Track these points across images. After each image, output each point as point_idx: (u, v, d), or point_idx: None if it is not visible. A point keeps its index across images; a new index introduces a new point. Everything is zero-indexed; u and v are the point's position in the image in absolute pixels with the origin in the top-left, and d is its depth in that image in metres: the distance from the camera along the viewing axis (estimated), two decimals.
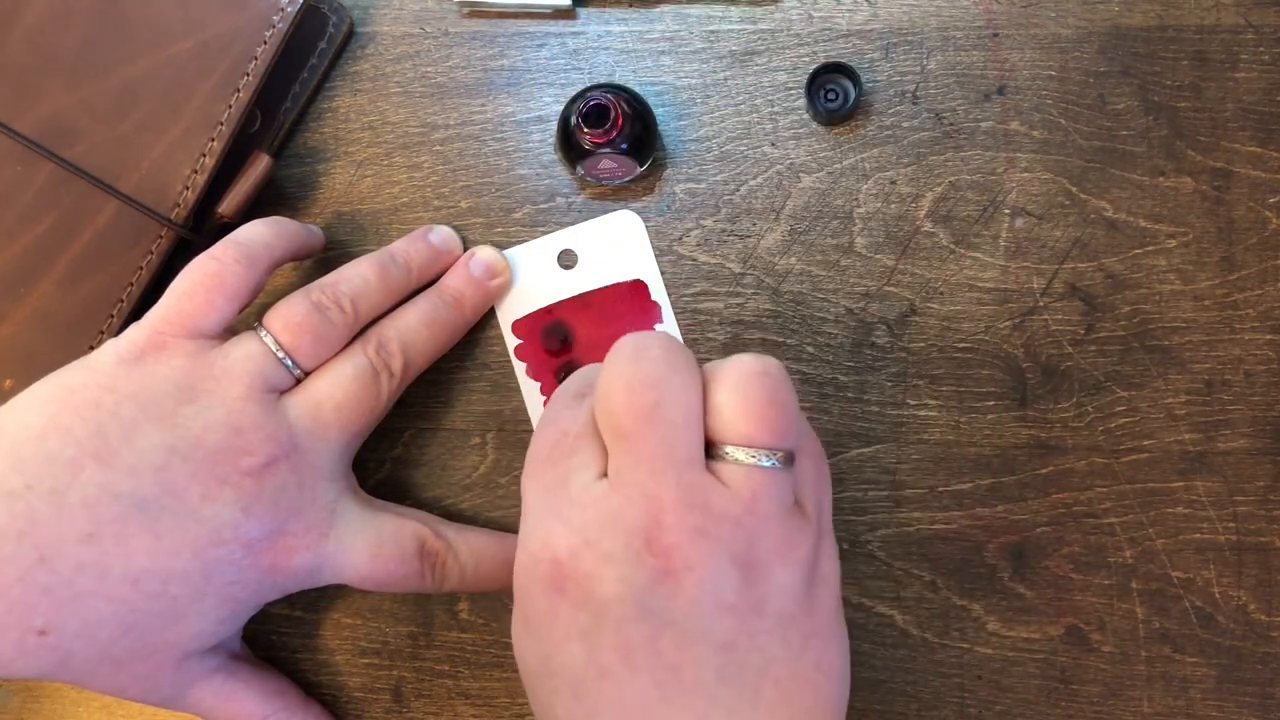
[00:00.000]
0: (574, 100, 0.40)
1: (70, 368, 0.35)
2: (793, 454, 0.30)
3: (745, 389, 0.29)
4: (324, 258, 0.42)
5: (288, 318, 0.36)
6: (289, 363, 0.36)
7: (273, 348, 0.36)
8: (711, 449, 0.30)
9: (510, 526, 0.41)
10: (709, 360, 0.33)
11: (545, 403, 0.41)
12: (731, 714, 0.28)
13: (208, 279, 0.36)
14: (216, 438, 0.34)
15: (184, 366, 0.35)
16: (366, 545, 0.37)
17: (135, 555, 0.33)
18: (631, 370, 0.29)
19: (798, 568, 0.29)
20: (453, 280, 0.40)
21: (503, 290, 0.41)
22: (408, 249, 0.40)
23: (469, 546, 0.39)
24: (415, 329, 0.39)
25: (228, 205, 0.40)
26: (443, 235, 0.41)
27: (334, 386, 0.36)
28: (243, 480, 0.34)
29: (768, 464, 0.29)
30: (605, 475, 0.30)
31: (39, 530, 0.32)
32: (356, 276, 0.38)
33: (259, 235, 0.37)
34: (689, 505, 0.28)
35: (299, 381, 0.37)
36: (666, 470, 0.28)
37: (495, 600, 0.41)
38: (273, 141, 0.42)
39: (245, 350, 0.36)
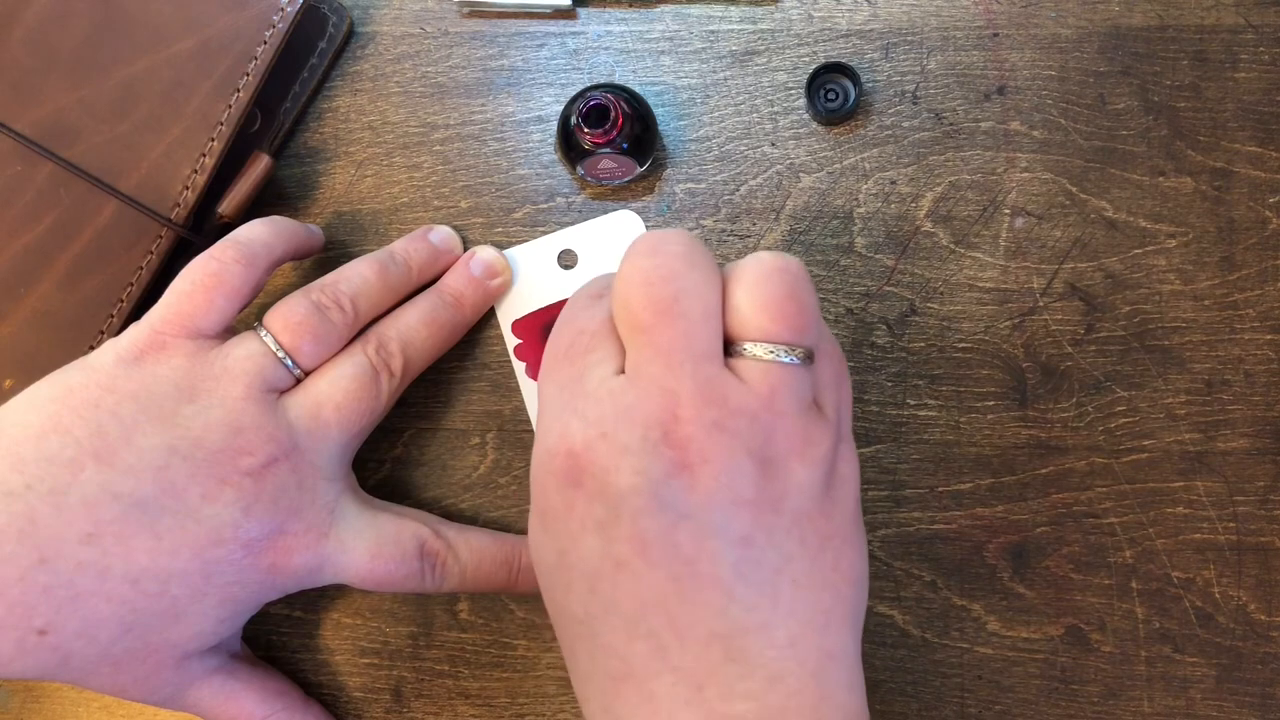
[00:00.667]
0: (574, 100, 0.40)
1: (70, 368, 0.35)
2: (812, 352, 0.30)
3: (765, 285, 0.29)
4: (324, 258, 0.42)
5: (288, 317, 0.36)
6: (289, 362, 0.36)
7: (273, 347, 0.36)
8: (730, 345, 0.29)
9: (510, 526, 0.41)
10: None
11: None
12: (749, 610, 0.28)
13: (208, 279, 0.36)
14: (216, 437, 0.34)
15: (184, 366, 0.35)
16: (366, 545, 0.37)
17: (135, 555, 0.33)
18: (650, 264, 0.29)
19: (815, 466, 0.29)
20: (453, 280, 0.40)
21: (503, 290, 0.41)
22: (408, 248, 0.40)
23: (469, 546, 0.39)
24: (415, 329, 0.39)
25: (228, 205, 0.40)
26: (443, 235, 0.41)
27: (334, 386, 0.36)
28: (243, 480, 0.34)
29: (786, 360, 0.29)
30: (622, 371, 0.30)
31: (39, 530, 0.32)
32: (356, 276, 0.38)
33: (259, 235, 0.37)
34: (706, 399, 0.28)
35: (299, 381, 0.37)
36: (684, 364, 0.28)
37: (495, 600, 0.41)
38: (273, 141, 0.42)
39: (245, 350, 0.36)
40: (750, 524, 0.28)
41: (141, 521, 0.33)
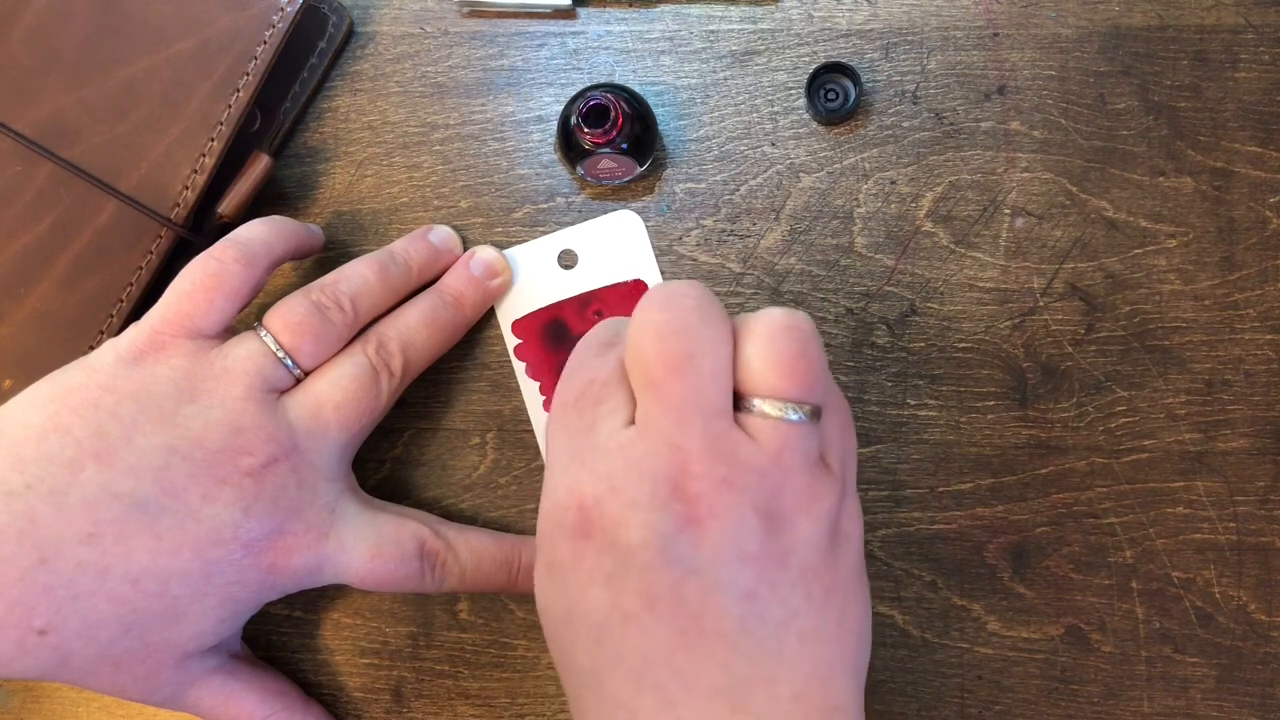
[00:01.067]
0: (574, 100, 0.40)
1: (70, 368, 0.35)
2: (819, 409, 0.30)
3: (775, 342, 0.29)
4: (324, 257, 0.42)
5: (287, 318, 0.36)
6: (289, 362, 0.36)
7: (273, 347, 0.36)
8: (739, 400, 0.30)
9: (510, 526, 0.41)
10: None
11: (545, 402, 0.41)
12: (754, 664, 0.28)
13: (207, 279, 0.36)
14: (217, 437, 0.34)
15: (184, 366, 0.35)
16: (366, 545, 0.37)
17: (135, 555, 0.33)
18: (663, 318, 0.29)
19: (821, 521, 0.29)
20: (453, 280, 0.40)
21: (503, 290, 0.41)
22: (408, 248, 0.40)
23: (469, 546, 0.39)
24: (415, 329, 0.39)
25: (228, 205, 0.40)
26: (443, 235, 0.41)
27: (334, 386, 0.36)
28: (243, 480, 0.34)
29: (794, 417, 0.29)
30: (632, 422, 0.30)
31: (39, 530, 0.32)
32: (356, 276, 0.38)
33: (258, 234, 0.37)
34: (715, 455, 0.28)
35: (299, 381, 0.37)
36: (694, 420, 0.28)
37: (495, 600, 0.41)
38: (273, 141, 0.42)
39: (245, 350, 0.36)
40: (756, 579, 0.28)
41: (141, 521, 0.33)
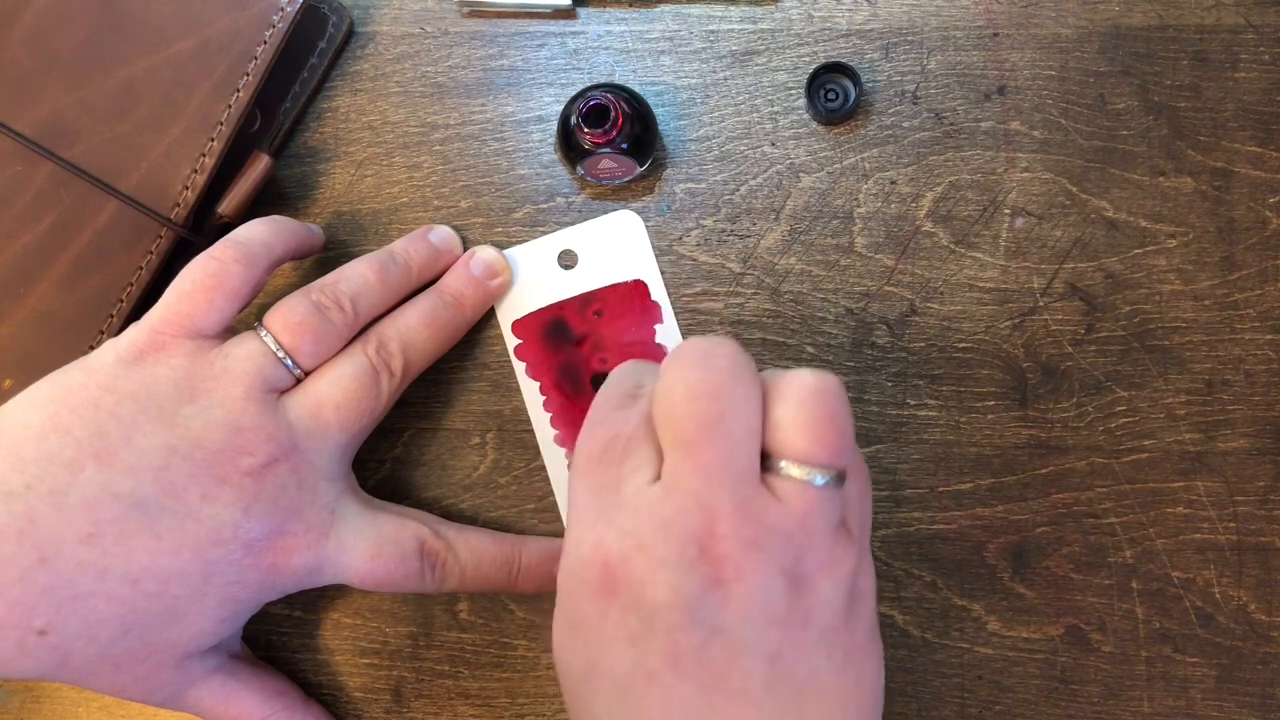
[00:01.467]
0: (574, 100, 0.40)
1: (70, 368, 0.35)
2: (844, 474, 0.30)
3: (806, 406, 0.30)
4: (324, 257, 0.42)
5: (287, 317, 0.36)
6: (289, 362, 0.36)
7: (273, 347, 0.36)
8: (766, 460, 0.30)
9: (510, 526, 0.41)
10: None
11: (545, 402, 0.41)
12: None
13: (207, 279, 0.36)
14: (217, 438, 0.34)
15: (184, 366, 0.35)
16: (366, 545, 0.37)
17: (135, 555, 0.33)
18: (697, 377, 0.29)
19: (841, 584, 0.30)
20: (453, 280, 0.40)
21: (503, 290, 0.41)
22: (408, 249, 0.40)
23: (469, 547, 0.39)
24: (415, 329, 0.39)
25: (228, 205, 0.40)
26: (443, 235, 0.41)
27: (334, 386, 0.36)
28: (243, 480, 0.34)
29: (821, 482, 0.29)
30: (658, 478, 0.30)
31: (39, 530, 0.32)
32: (356, 276, 0.38)
33: (258, 234, 0.37)
34: (744, 517, 0.28)
35: (299, 381, 0.37)
36: (724, 481, 0.29)
37: (495, 600, 0.41)
38: (273, 141, 0.42)
39: (245, 350, 0.36)
40: (781, 640, 0.29)
41: (141, 521, 0.33)
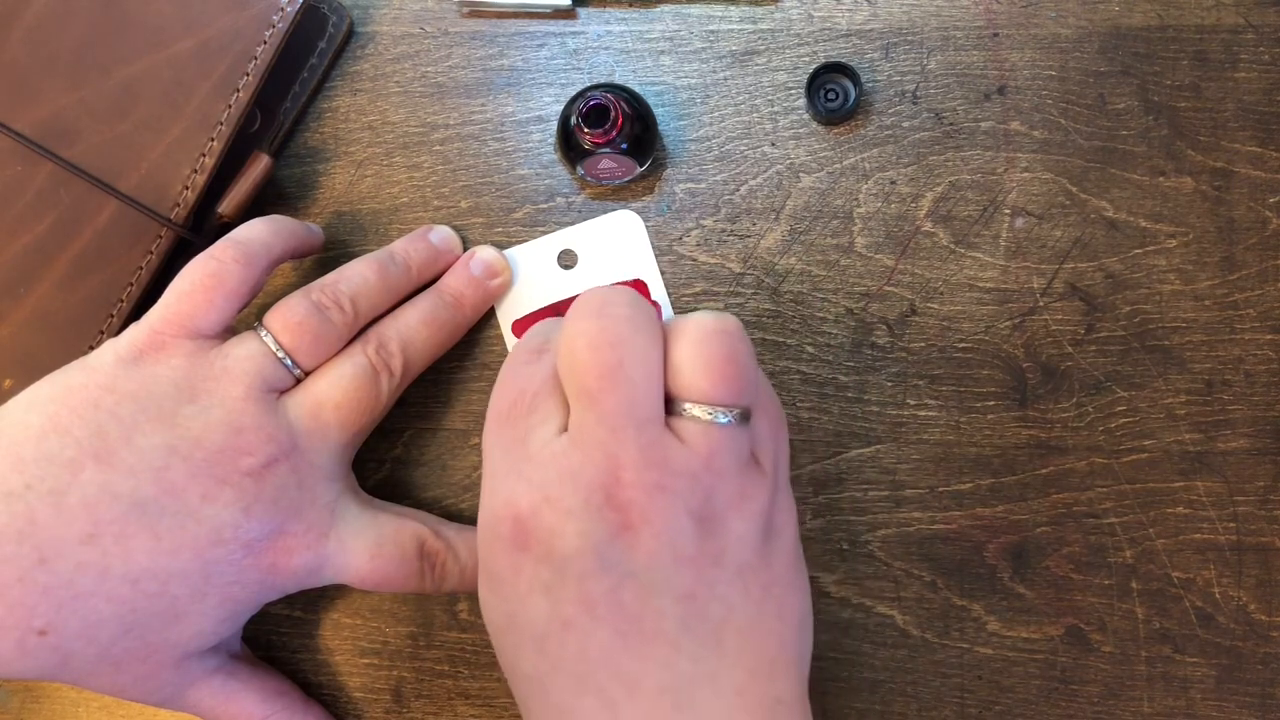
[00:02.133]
0: (574, 100, 0.40)
1: (70, 368, 0.35)
2: (749, 411, 0.31)
3: (704, 347, 0.30)
4: (324, 257, 0.42)
5: (287, 317, 0.36)
6: (289, 362, 0.36)
7: (273, 347, 0.36)
8: (670, 404, 0.30)
9: None
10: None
11: None
12: (696, 662, 0.29)
13: (207, 279, 0.36)
14: (216, 438, 0.34)
15: (183, 366, 0.35)
16: (366, 545, 0.37)
17: (135, 555, 0.33)
18: (596, 327, 0.30)
19: (754, 520, 0.30)
20: (453, 280, 0.40)
21: (503, 290, 0.41)
22: (408, 249, 0.40)
23: (468, 547, 0.39)
24: (415, 329, 0.39)
25: (228, 205, 0.40)
26: (443, 235, 0.41)
27: (334, 386, 0.36)
28: (243, 480, 0.34)
29: (724, 421, 0.30)
30: (565, 430, 0.30)
31: (39, 531, 0.32)
32: (356, 276, 0.38)
33: (258, 234, 0.37)
34: (647, 462, 0.29)
35: (299, 381, 0.37)
36: (627, 428, 0.29)
37: None
38: (273, 141, 0.42)
39: (245, 350, 0.36)
40: (693, 579, 0.29)
41: (141, 522, 0.33)
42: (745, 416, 0.30)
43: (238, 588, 0.35)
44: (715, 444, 0.30)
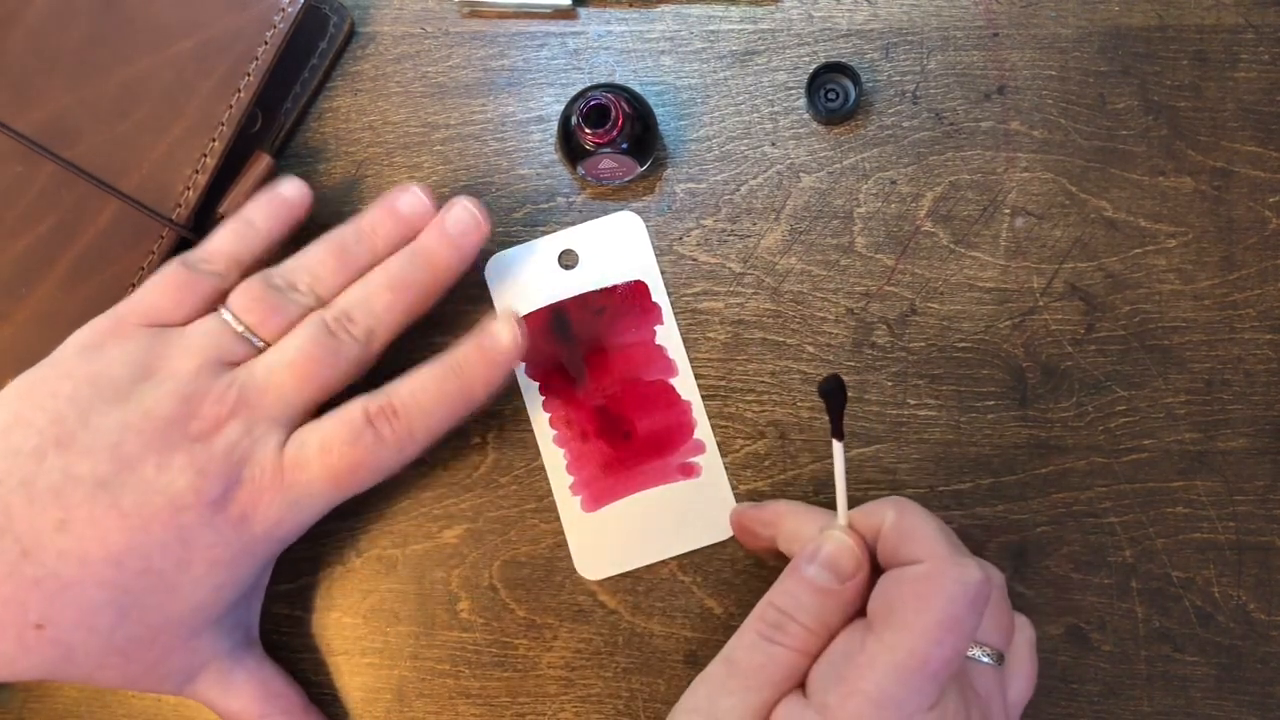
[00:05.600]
0: (574, 100, 0.40)
1: (38, 364, 0.36)
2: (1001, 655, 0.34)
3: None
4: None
5: (247, 295, 0.37)
6: (250, 336, 0.36)
7: (233, 323, 0.36)
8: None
9: (511, 526, 0.41)
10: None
11: (545, 402, 0.41)
12: None
13: (180, 282, 0.36)
14: (166, 408, 0.34)
15: (142, 348, 0.35)
16: (318, 443, 0.36)
17: (110, 536, 0.33)
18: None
19: None
20: (425, 239, 0.39)
21: (477, 246, 0.39)
22: (374, 224, 0.39)
23: (408, 386, 0.37)
24: (378, 293, 0.38)
25: (229, 205, 0.40)
26: (412, 202, 0.39)
27: (288, 346, 0.36)
28: (192, 446, 0.34)
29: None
30: None
31: (15, 524, 0.33)
32: (315, 264, 0.38)
33: (227, 248, 0.38)
34: None
35: (260, 353, 0.37)
36: None
37: (495, 600, 0.41)
38: (273, 141, 0.42)
39: (204, 328, 0.36)
40: None
41: (107, 501, 0.33)
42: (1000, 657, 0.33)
43: (220, 549, 0.35)
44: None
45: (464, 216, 0.39)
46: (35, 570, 0.33)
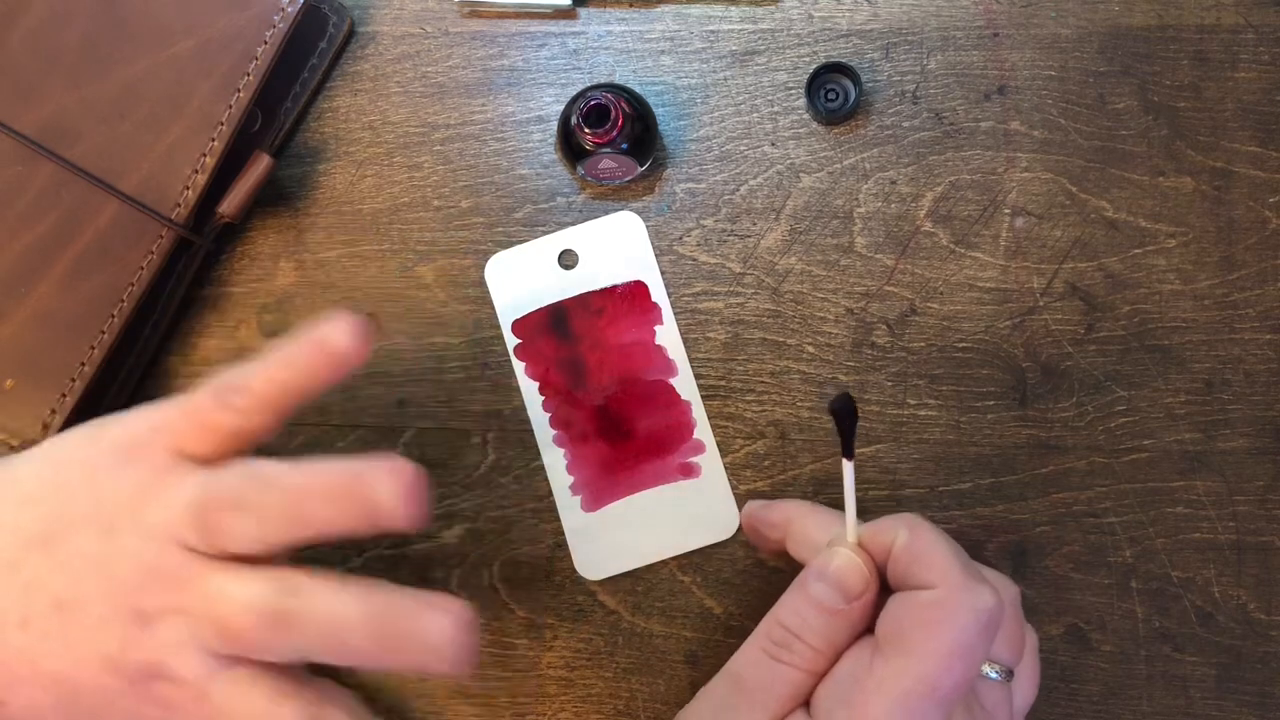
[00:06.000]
0: (574, 100, 0.40)
1: (83, 427, 0.34)
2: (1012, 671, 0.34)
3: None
4: (326, 258, 0.42)
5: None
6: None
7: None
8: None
9: (511, 526, 0.41)
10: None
11: (545, 402, 0.41)
12: None
13: (211, 421, 0.33)
14: (131, 568, 0.32)
15: (145, 481, 0.33)
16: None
17: (53, 655, 0.32)
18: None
19: None
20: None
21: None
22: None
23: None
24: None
25: (228, 205, 0.40)
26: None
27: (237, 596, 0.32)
28: (132, 619, 0.32)
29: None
30: None
31: None
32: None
33: (258, 385, 0.33)
34: None
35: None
36: None
37: (495, 599, 0.41)
38: (273, 141, 0.42)
39: (187, 498, 0.33)
40: None
41: (59, 624, 0.32)
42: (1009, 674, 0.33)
43: (137, 716, 0.33)
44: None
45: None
46: (1, 651, 0.32)
